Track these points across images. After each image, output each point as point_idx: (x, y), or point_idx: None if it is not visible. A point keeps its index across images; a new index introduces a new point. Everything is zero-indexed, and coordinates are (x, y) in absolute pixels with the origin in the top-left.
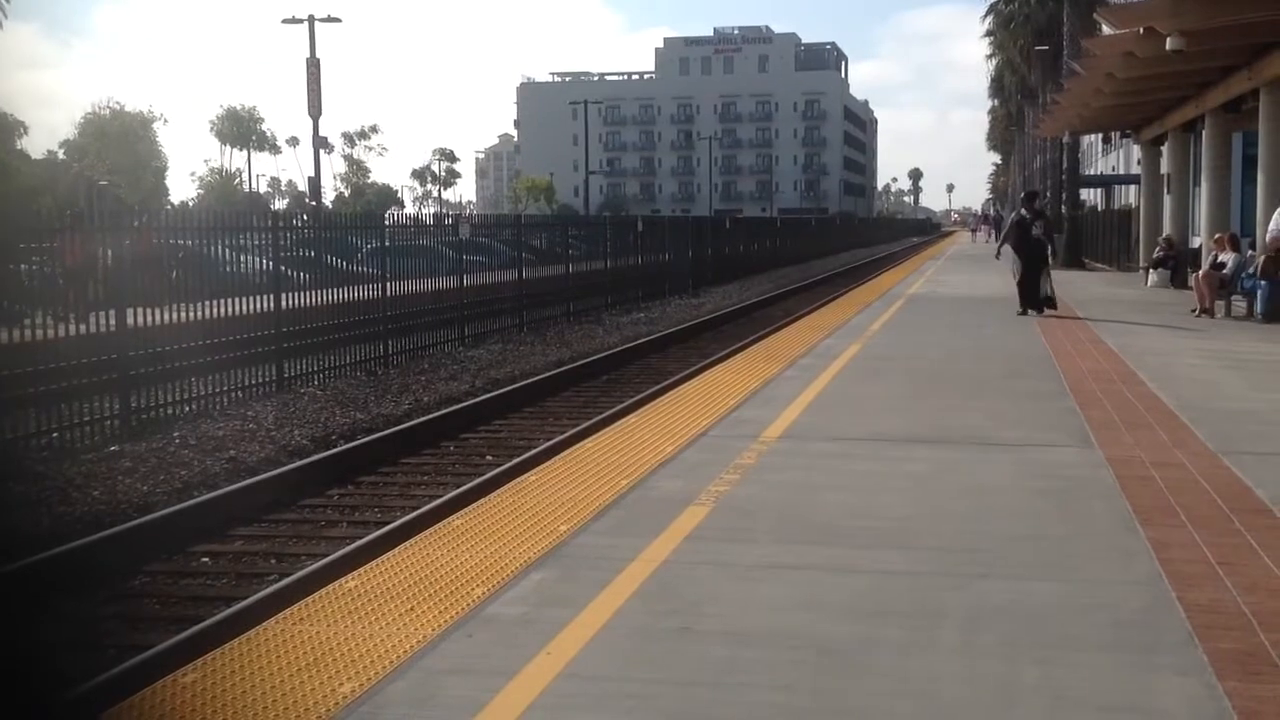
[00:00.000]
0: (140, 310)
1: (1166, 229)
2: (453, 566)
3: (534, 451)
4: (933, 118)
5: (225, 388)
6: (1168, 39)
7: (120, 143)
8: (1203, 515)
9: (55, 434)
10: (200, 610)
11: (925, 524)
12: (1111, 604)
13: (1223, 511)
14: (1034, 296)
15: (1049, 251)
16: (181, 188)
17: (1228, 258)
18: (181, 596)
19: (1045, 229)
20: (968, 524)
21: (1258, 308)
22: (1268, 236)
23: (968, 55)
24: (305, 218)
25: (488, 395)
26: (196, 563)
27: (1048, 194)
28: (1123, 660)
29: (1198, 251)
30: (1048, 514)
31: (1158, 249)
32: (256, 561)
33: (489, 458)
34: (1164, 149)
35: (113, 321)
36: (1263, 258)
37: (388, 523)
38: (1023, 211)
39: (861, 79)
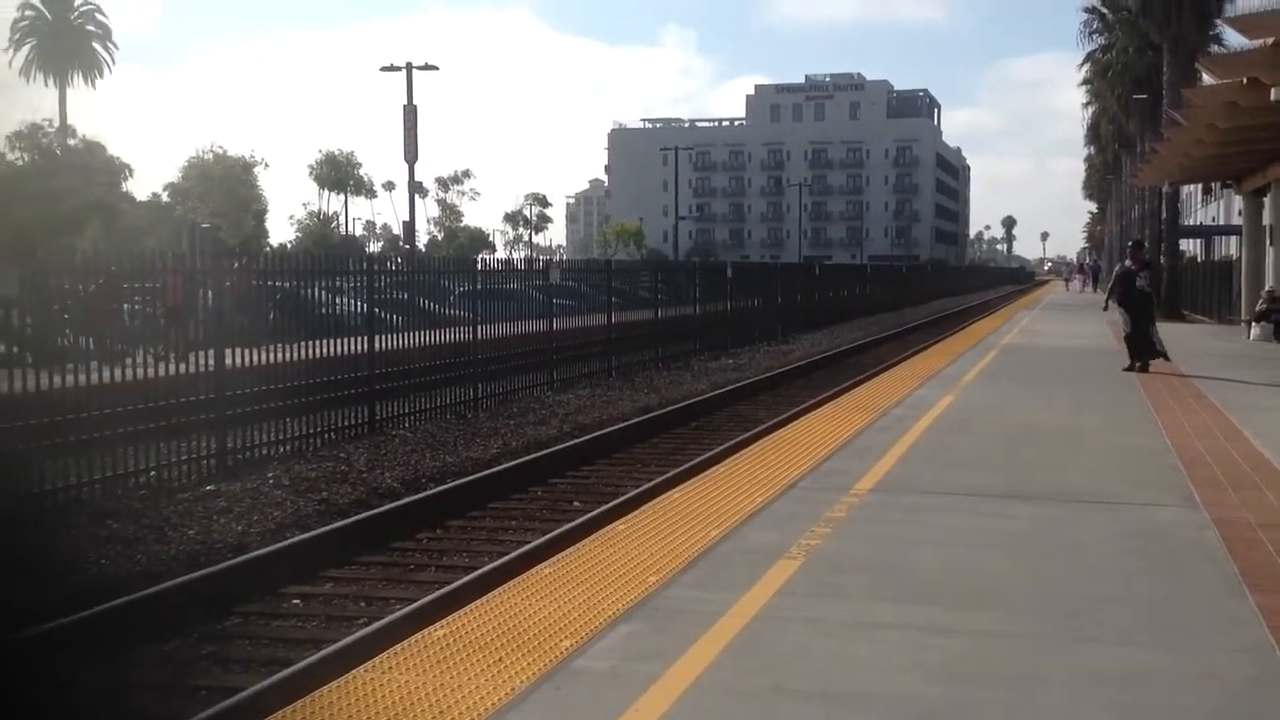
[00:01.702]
0: (238, 350)
1: (1269, 282)
2: (541, 617)
3: (622, 499)
4: (1028, 166)
5: (318, 429)
6: (1272, 90)
7: (222, 186)
8: None
9: (153, 472)
10: (291, 653)
11: (1023, 584)
12: (1220, 674)
13: None
14: (1143, 350)
15: (1153, 303)
16: (280, 230)
17: None
18: (273, 638)
19: (1151, 279)
20: (1068, 585)
21: None
22: None
23: (1066, 102)
24: (399, 261)
25: (576, 440)
26: (288, 604)
27: (1146, 244)
28: None
29: None
30: (1152, 577)
31: (1261, 302)
32: (347, 604)
33: (576, 504)
34: (1266, 200)
35: (211, 361)
36: None
37: (475, 568)
38: (1128, 263)
39: (957, 126)
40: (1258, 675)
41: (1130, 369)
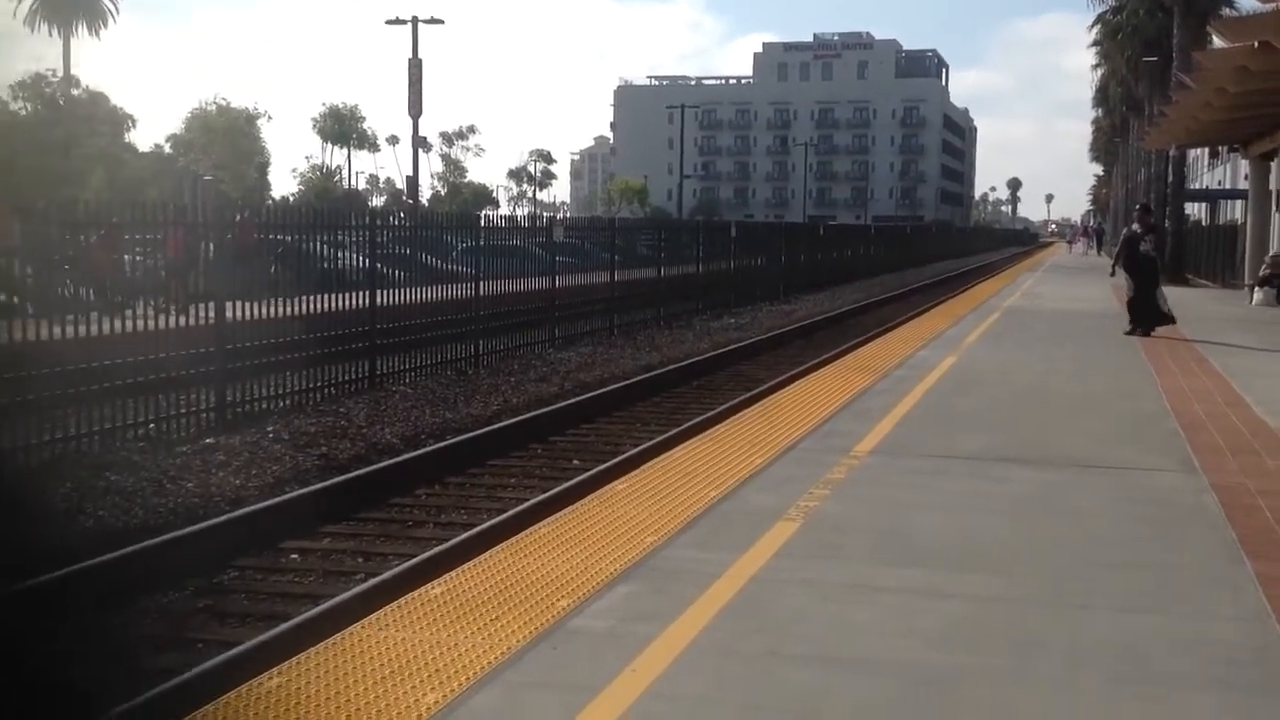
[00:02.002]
0: (238, 304)
1: (1273, 247)
2: (538, 576)
3: (621, 458)
4: (1035, 127)
5: (319, 384)
6: None
7: (225, 138)
8: None
9: (152, 425)
10: (288, 608)
11: (1023, 548)
12: (1218, 640)
13: None
14: (1146, 315)
15: (1158, 266)
16: (283, 183)
17: None
18: (270, 593)
19: (1156, 243)
20: (1067, 549)
21: None
22: None
23: (1075, 64)
24: (402, 215)
25: (577, 398)
26: (286, 559)
27: (1151, 208)
28: (1231, 701)
29: None
30: (1150, 542)
31: (1264, 267)
32: (344, 560)
33: (576, 462)
34: (1273, 164)
35: (212, 314)
36: None
37: (474, 525)
38: (1134, 226)
39: (965, 86)
40: (1257, 643)
41: (1131, 333)
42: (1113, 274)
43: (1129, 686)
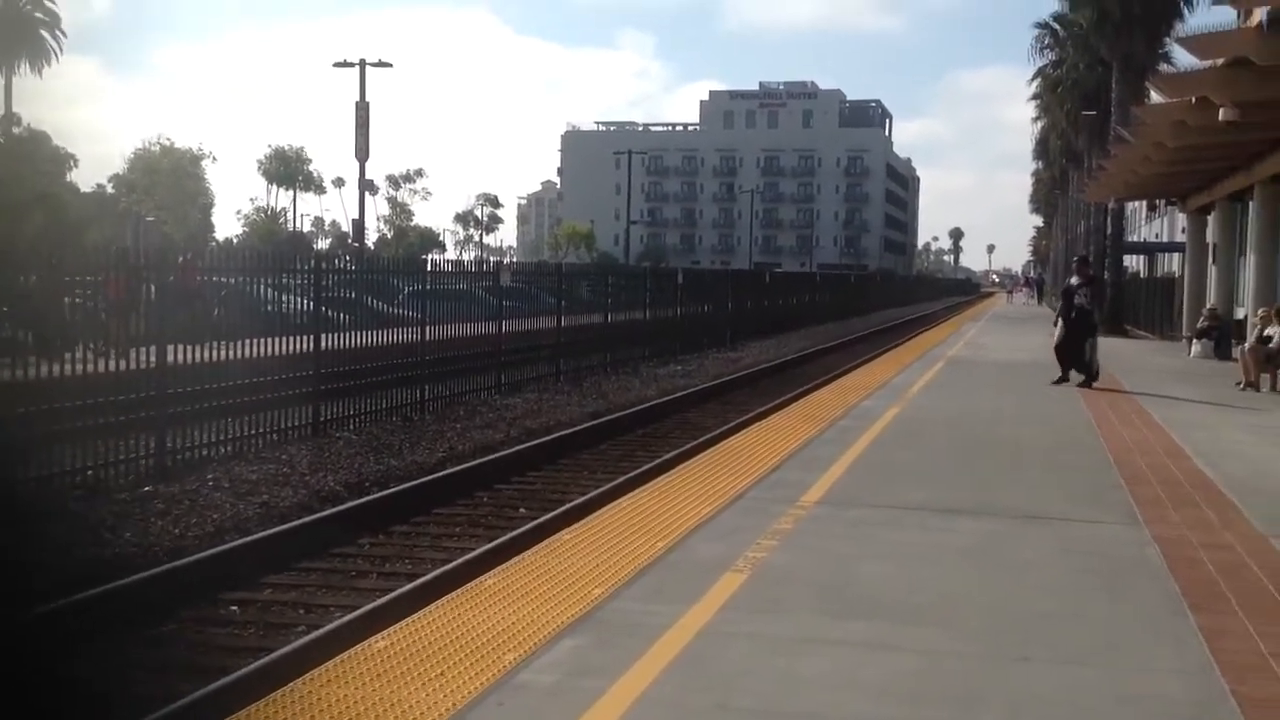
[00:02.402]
0: (181, 347)
1: (1211, 299)
2: (485, 629)
3: (568, 506)
4: (977, 178)
5: (261, 429)
6: (1221, 110)
7: (169, 179)
8: (1255, 602)
9: (90, 471)
10: (228, 661)
11: (967, 600)
12: (1162, 695)
13: (1274, 598)
14: (1074, 365)
15: (1096, 320)
16: (227, 225)
17: (1274, 331)
18: (210, 646)
19: (1092, 296)
20: (1011, 602)
21: None
22: None
23: (1016, 117)
24: (347, 259)
25: (523, 446)
26: (225, 610)
27: (1090, 259)
28: None
29: (1242, 323)
30: (1094, 594)
31: (1202, 319)
32: (286, 611)
33: (522, 510)
34: (1210, 218)
35: (153, 358)
36: None
37: (419, 575)
38: (1072, 279)
39: (907, 137)
40: (1200, 697)
41: (1058, 382)
42: (1055, 324)
43: None
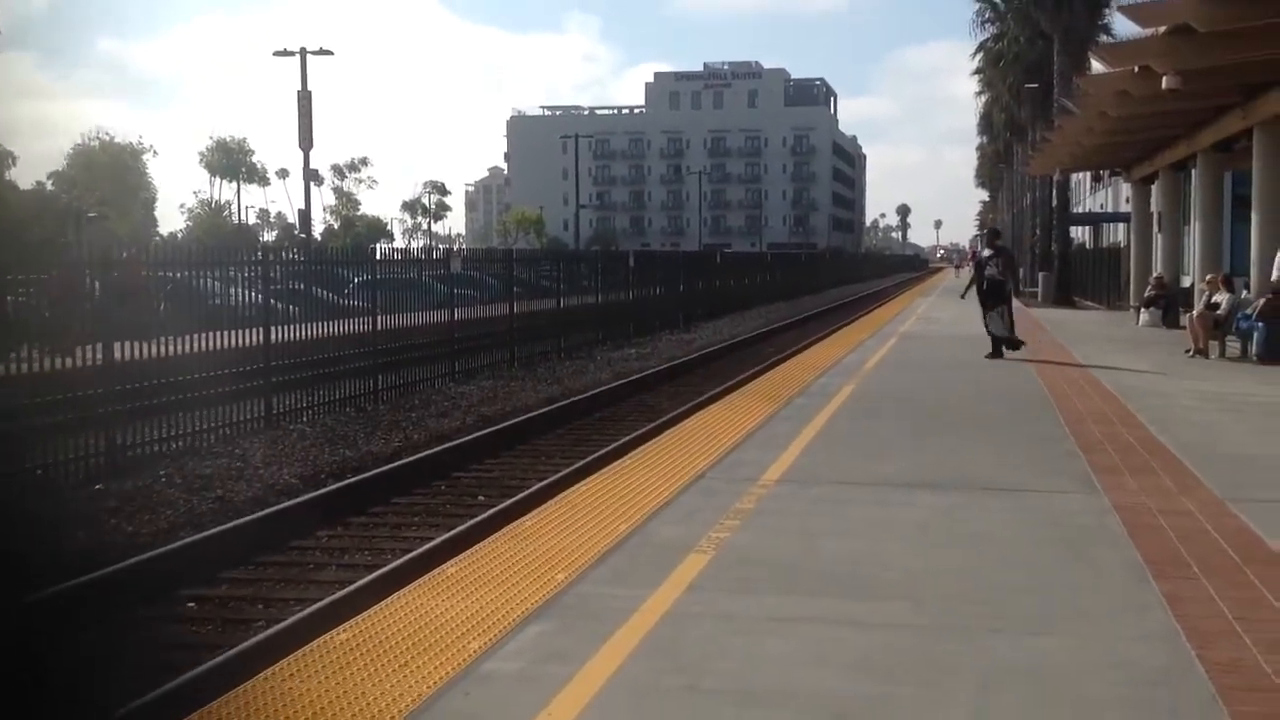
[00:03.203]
0: (127, 344)
1: (1157, 268)
2: (448, 618)
3: (528, 493)
4: (924, 154)
5: (213, 424)
6: (1164, 78)
7: (109, 174)
8: (1215, 566)
9: (39, 471)
10: (185, 658)
11: (931, 574)
12: (1129, 662)
13: (1234, 563)
14: (994, 338)
15: (1009, 290)
16: (171, 219)
17: (1221, 298)
18: (167, 643)
19: (1002, 266)
20: (975, 574)
21: (1253, 349)
22: (1274, 276)
23: (961, 91)
24: (295, 250)
25: (479, 433)
26: (183, 607)
27: (1037, 231)
28: None
29: (1189, 291)
30: (1057, 564)
31: (1149, 288)
32: (244, 607)
33: (481, 498)
34: (1154, 187)
35: (99, 355)
36: (1263, 300)
37: (379, 566)
38: (983, 252)
39: (853, 115)
40: (1166, 663)
41: (991, 355)
42: (963, 297)
43: (1043, 712)
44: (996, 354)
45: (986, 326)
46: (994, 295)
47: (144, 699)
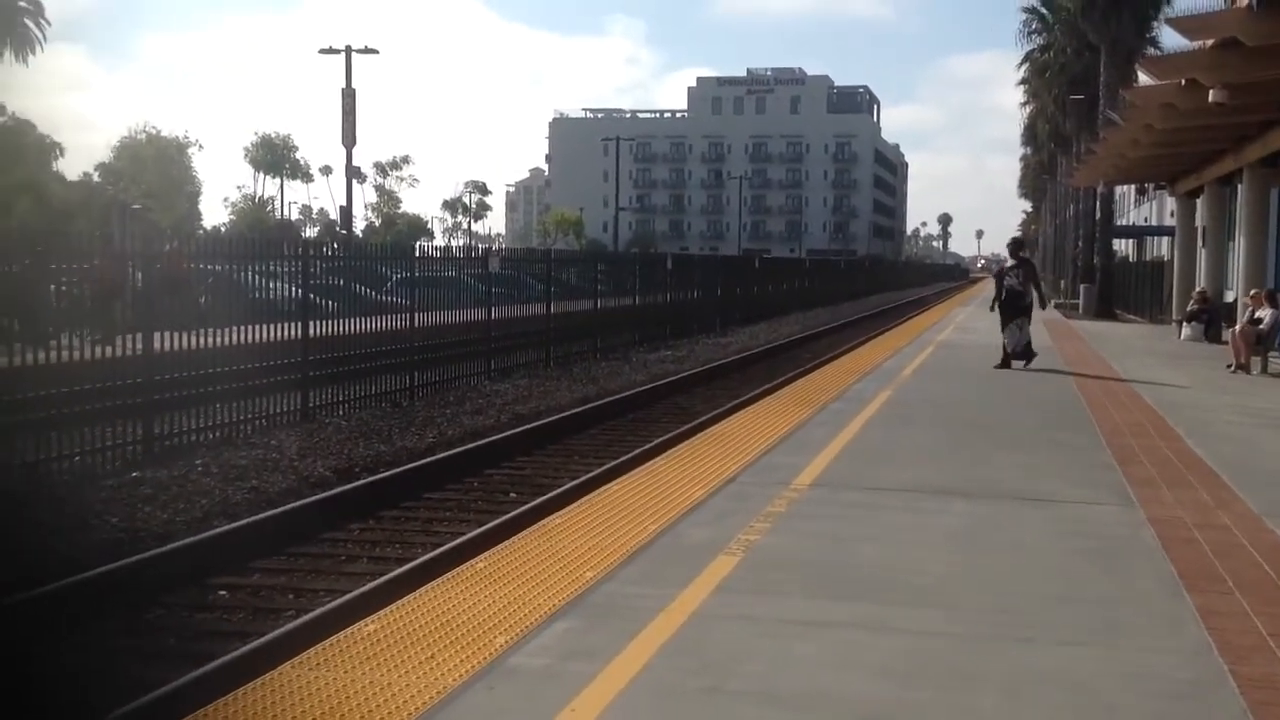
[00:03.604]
0: (167, 335)
1: (1201, 282)
2: (475, 612)
3: (559, 491)
4: (967, 163)
5: (249, 415)
6: (1210, 91)
7: (155, 167)
8: (1250, 581)
9: (77, 458)
10: (215, 646)
11: (962, 582)
12: (1160, 675)
13: (1270, 578)
14: (1012, 349)
15: (1028, 302)
16: (214, 213)
17: (1264, 314)
18: (198, 631)
19: (1023, 277)
20: (1007, 583)
21: None
22: None
23: (1005, 101)
24: (335, 246)
25: (513, 431)
26: (214, 595)
27: (1079, 243)
28: None
29: (1232, 306)
30: (1090, 575)
31: (1192, 302)
32: (275, 596)
33: (513, 495)
34: (1199, 202)
35: (139, 345)
36: None
37: (409, 560)
38: (1005, 262)
39: (897, 122)
40: (1198, 677)
41: (1001, 365)
42: (992, 309)
43: None
44: (1005, 365)
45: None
46: (1012, 306)
47: (171, 685)
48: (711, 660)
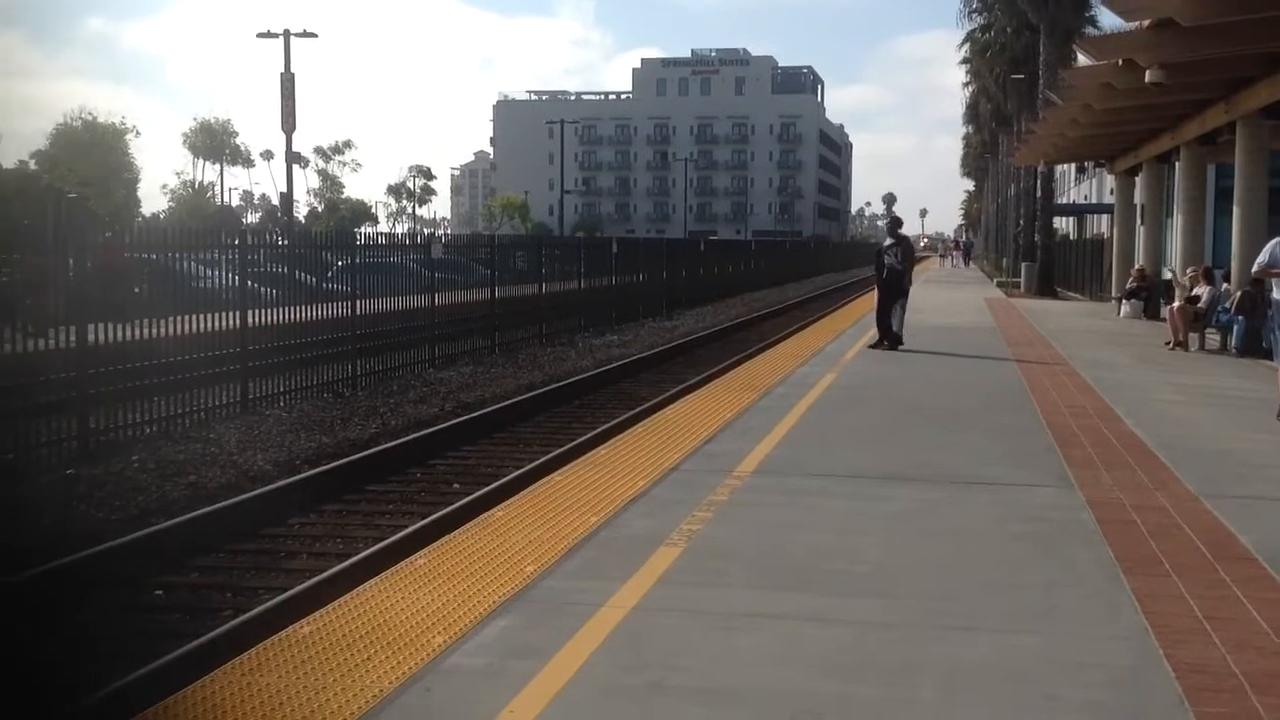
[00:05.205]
0: (103, 326)
1: (1139, 260)
2: (414, 611)
3: (502, 482)
4: (912, 142)
5: (188, 409)
6: (1148, 71)
7: (92, 153)
8: (1187, 563)
9: (10, 455)
10: (150, 649)
11: (904, 570)
12: (1097, 662)
13: (1207, 560)
14: (885, 328)
15: (908, 284)
16: (153, 200)
17: (1202, 291)
18: (132, 632)
19: (902, 256)
20: (947, 570)
21: (1232, 342)
22: (1254, 268)
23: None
24: (276, 233)
25: (457, 420)
26: (149, 596)
27: (1020, 222)
28: None
29: (1170, 283)
30: (1029, 560)
31: (1131, 280)
32: (212, 595)
33: (456, 486)
34: (1138, 179)
35: (73, 338)
36: (1239, 292)
37: (350, 555)
38: (885, 240)
39: (846, 103)
40: (1136, 663)
41: (874, 346)
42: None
43: (1009, 712)
44: (879, 345)
45: (877, 316)
46: (895, 286)
47: (103, 691)
48: (653, 656)
